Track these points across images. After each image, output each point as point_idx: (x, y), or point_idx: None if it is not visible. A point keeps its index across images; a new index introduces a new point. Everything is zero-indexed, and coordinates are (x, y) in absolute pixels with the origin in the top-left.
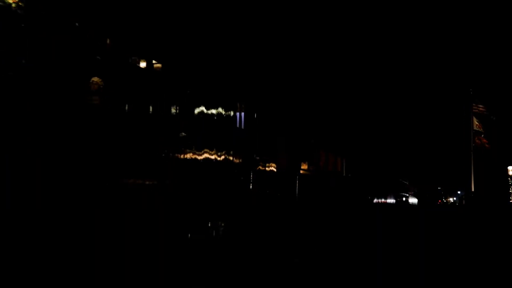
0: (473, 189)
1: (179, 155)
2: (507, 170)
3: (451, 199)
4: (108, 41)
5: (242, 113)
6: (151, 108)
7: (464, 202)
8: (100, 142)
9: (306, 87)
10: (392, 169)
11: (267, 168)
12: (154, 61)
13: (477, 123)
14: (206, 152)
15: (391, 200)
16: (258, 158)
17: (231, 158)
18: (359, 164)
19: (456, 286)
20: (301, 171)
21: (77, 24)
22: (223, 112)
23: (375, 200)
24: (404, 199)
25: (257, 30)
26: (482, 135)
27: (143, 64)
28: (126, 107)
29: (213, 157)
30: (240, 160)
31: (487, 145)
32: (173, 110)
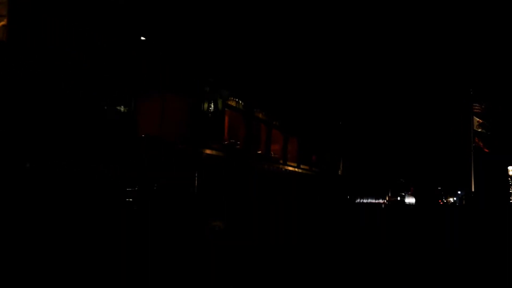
0: (473, 189)
1: None
2: (507, 170)
3: (451, 199)
4: None
5: None
6: None
7: (464, 202)
8: None
9: None
10: (386, 166)
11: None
12: None
13: (477, 123)
14: None
15: (383, 201)
16: None
17: None
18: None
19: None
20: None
21: None
22: None
23: (360, 200)
24: (399, 198)
25: None
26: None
27: None
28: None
29: None
30: None
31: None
32: None
